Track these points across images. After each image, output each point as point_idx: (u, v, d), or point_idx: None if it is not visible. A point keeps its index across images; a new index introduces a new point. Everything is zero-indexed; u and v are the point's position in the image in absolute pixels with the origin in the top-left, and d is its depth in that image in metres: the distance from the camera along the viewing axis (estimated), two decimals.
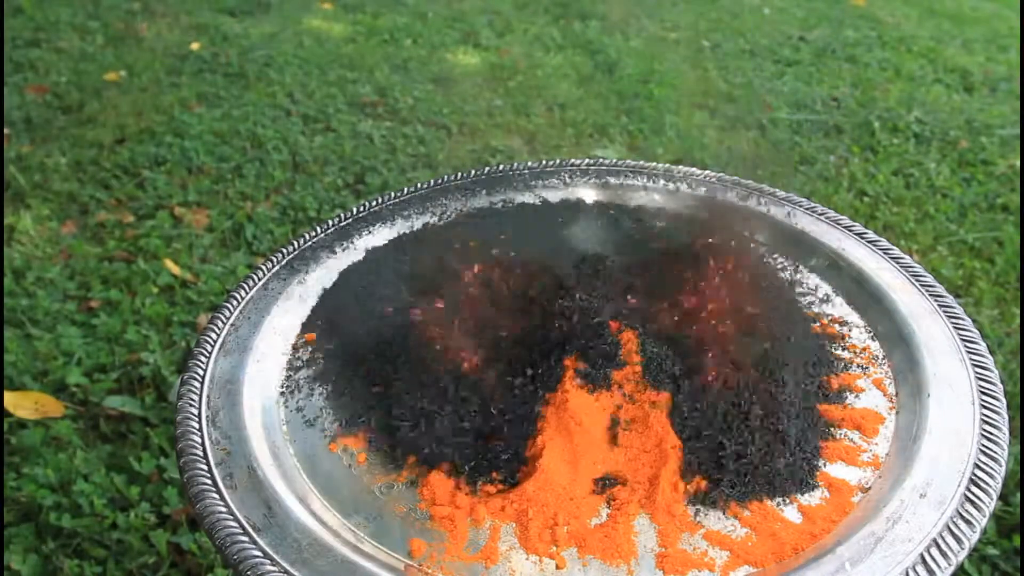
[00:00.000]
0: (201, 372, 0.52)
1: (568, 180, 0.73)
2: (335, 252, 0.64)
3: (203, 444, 0.47)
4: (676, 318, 0.53)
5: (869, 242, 0.64)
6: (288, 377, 0.54)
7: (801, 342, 0.55)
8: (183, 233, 1.48)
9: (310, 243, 0.65)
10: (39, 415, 1.08)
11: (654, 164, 0.75)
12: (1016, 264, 1.49)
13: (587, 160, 0.75)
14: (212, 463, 0.46)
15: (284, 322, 0.58)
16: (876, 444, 0.49)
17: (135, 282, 1.34)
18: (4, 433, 1.06)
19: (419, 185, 0.72)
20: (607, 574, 0.41)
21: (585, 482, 0.45)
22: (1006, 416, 0.49)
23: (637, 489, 0.45)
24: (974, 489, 0.44)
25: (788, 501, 0.45)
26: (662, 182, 0.73)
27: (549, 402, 0.48)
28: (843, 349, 0.56)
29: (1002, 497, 1.00)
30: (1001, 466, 0.46)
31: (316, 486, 0.46)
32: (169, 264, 1.38)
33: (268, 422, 0.50)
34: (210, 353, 0.54)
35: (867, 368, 0.54)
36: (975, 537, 0.43)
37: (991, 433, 0.48)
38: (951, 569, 0.41)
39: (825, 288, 0.62)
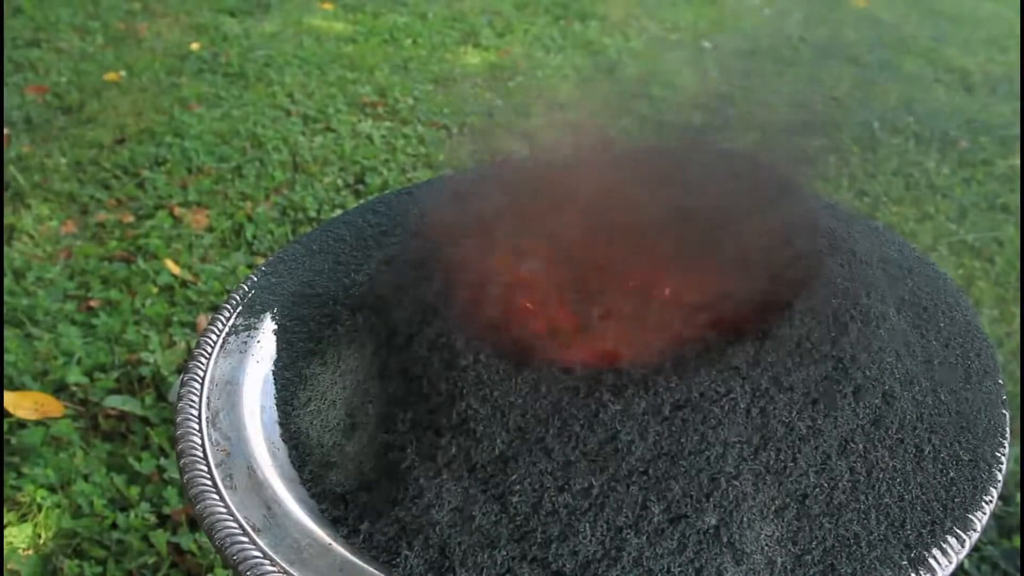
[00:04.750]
0: (201, 373, 0.52)
1: None
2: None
3: (203, 445, 0.47)
4: None
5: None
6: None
7: None
8: (183, 233, 1.48)
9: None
10: (39, 415, 1.08)
11: None
12: (1016, 264, 1.49)
13: None
14: (212, 464, 0.46)
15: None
16: None
17: (135, 282, 1.34)
18: (4, 433, 1.06)
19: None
20: None
21: None
22: (1007, 415, 0.49)
23: None
24: None
25: None
26: None
27: None
28: None
29: (1002, 497, 1.00)
30: (1003, 465, 0.46)
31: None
32: (169, 264, 1.38)
33: (268, 423, 0.50)
34: (210, 354, 0.54)
35: None
36: (975, 536, 0.42)
37: None
38: (951, 568, 0.41)
39: None
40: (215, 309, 0.67)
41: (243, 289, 0.59)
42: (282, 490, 0.45)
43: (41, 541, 0.95)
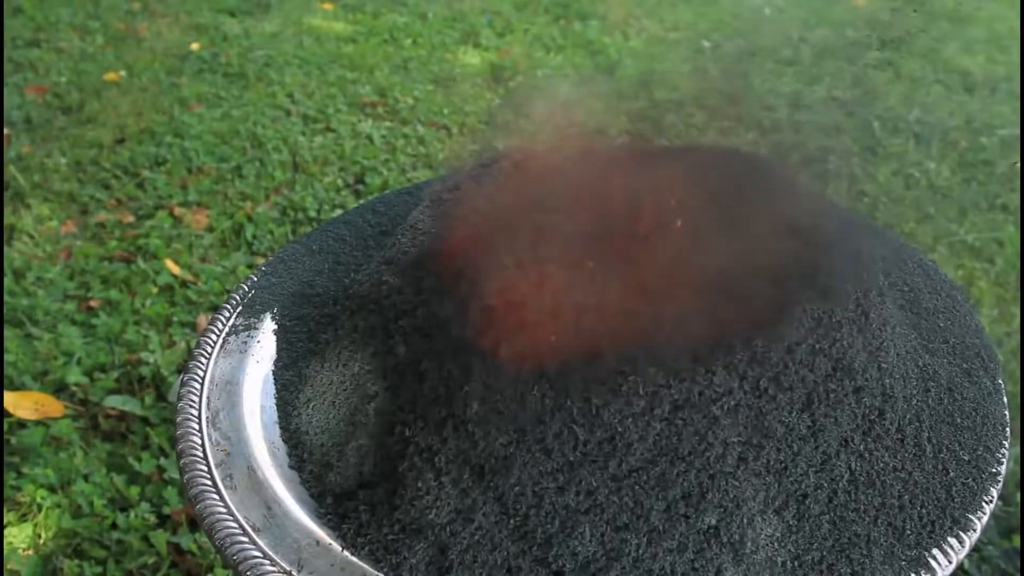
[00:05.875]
0: (201, 373, 0.52)
1: None
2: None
3: (203, 445, 0.47)
4: None
5: None
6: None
7: None
8: (183, 233, 1.48)
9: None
10: (39, 415, 1.08)
11: None
12: (1016, 264, 1.49)
13: None
14: (212, 464, 0.46)
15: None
16: None
17: (135, 282, 1.34)
18: (4, 433, 1.06)
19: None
20: None
21: None
22: (1007, 415, 0.49)
23: None
24: None
25: None
26: None
27: None
28: None
29: (1002, 497, 1.00)
30: (1003, 465, 0.46)
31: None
32: (169, 264, 1.38)
33: (268, 423, 0.50)
34: (210, 354, 0.54)
35: None
36: (975, 537, 0.42)
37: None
38: (951, 568, 0.41)
39: None
40: (215, 309, 0.67)
41: (243, 289, 0.59)
42: (282, 490, 0.45)
43: (41, 541, 0.95)
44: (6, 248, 1.41)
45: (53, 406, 1.10)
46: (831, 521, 0.42)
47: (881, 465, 0.44)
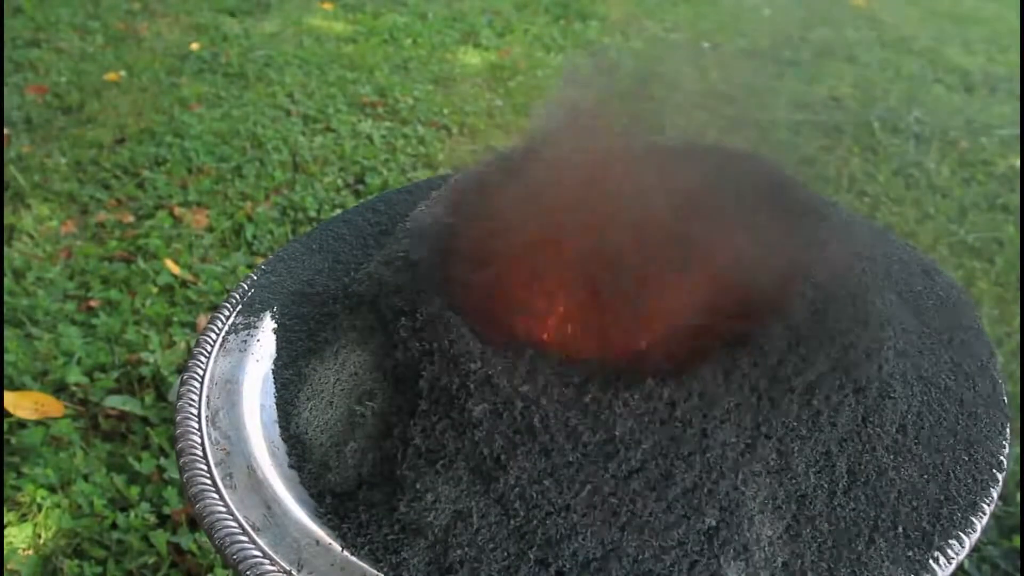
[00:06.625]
0: (201, 372, 0.52)
1: None
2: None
3: (203, 444, 0.47)
4: None
5: None
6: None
7: None
8: (183, 233, 1.48)
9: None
10: (39, 415, 1.08)
11: None
12: (1016, 264, 1.49)
13: None
14: (212, 463, 0.46)
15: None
16: None
17: (135, 282, 1.34)
18: (4, 433, 1.06)
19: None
20: None
21: None
22: (1008, 415, 0.49)
23: None
24: None
25: None
26: None
27: None
28: None
29: (1002, 497, 1.00)
30: (1003, 465, 0.46)
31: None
32: (169, 264, 1.38)
33: (268, 422, 0.50)
34: (210, 353, 0.54)
35: None
36: (975, 537, 0.42)
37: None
38: (951, 568, 0.41)
39: None
40: (215, 308, 0.67)
41: (243, 288, 0.59)
42: (282, 489, 0.45)
43: (41, 541, 0.95)
44: (6, 248, 1.41)
45: (53, 406, 1.10)
46: (831, 521, 0.42)
47: (881, 465, 0.44)
